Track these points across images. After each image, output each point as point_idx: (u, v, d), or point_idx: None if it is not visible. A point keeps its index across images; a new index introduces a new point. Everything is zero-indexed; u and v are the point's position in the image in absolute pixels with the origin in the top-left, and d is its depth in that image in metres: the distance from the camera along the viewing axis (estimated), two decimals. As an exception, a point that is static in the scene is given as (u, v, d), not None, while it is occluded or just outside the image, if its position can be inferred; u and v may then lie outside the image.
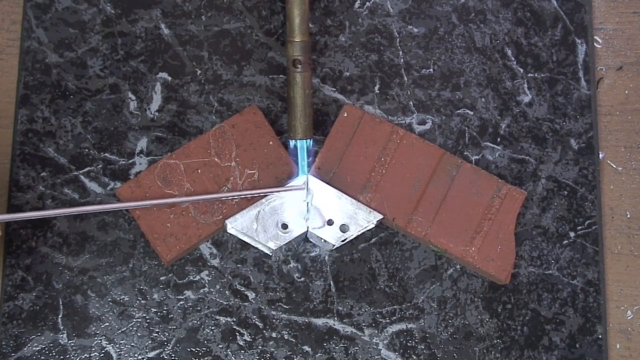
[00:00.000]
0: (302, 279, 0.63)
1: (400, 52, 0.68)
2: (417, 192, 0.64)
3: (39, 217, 0.59)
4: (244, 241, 0.63)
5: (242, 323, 0.62)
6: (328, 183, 0.63)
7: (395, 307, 0.63)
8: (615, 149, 0.68)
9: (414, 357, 0.63)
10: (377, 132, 0.64)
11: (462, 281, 0.64)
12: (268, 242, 0.61)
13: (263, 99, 0.66)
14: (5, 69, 0.65)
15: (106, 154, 0.64)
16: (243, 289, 0.63)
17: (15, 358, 0.60)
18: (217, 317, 0.62)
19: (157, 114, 0.65)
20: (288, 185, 0.63)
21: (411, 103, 0.67)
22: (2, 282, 0.62)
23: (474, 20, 0.69)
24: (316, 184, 0.62)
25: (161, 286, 0.62)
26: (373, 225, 0.63)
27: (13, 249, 0.62)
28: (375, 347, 0.63)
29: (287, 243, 0.62)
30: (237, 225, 0.61)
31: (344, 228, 0.62)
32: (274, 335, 0.62)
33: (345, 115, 0.65)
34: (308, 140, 0.63)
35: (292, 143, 0.63)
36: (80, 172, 0.64)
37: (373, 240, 0.64)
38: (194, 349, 0.62)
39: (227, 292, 0.63)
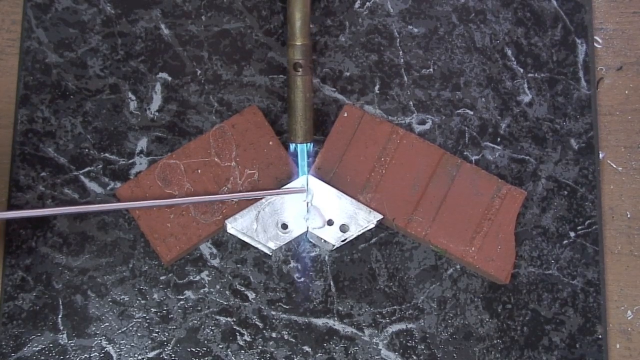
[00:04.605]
0: (302, 279, 0.63)
1: (400, 52, 0.68)
2: (417, 192, 0.64)
3: (38, 215, 0.59)
4: (244, 241, 0.63)
5: (242, 323, 0.62)
6: (328, 183, 0.63)
7: (395, 307, 0.63)
8: (615, 149, 0.68)
9: (414, 357, 0.63)
10: (377, 132, 0.64)
11: (462, 281, 0.64)
12: (268, 242, 0.61)
13: (263, 99, 0.66)
14: (5, 69, 0.65)
15: (106, 154, 0.64)
16: (243, 289, 0.63)
17: (15, 358, 0.60)
18: (217, 317, 0.62)
19: (157, 114, 0.65)
20: (288, 186, 0.63)
21: (411, 103, 0.67)
22: (2, 282, 0.62)
23: (474, 20, 0.69)
24: (316, 184, 0.62)
25: (161, 286, 0.62)
26: (373, 225, 0.63)
27: (13, 249, 0.62)
28: (375, 347, 0.63)
29: (287, 243, 0.62)
30: (237, 225, 0.61)
31: (344, 228, 0.62)
32: (274, 335, 0.62)
33: (345, 115, 0.65)
34: (308, 144, 0.63)
35: (292, 146, 0.63)
36: (80, 172, 0.64)
37: (373, 240, 0.64)
38: (194, 349, 0.62)
39: (227, 292, 0.63)
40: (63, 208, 0.59)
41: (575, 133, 0.67)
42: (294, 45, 0.62)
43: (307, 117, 0.62)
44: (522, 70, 0.68)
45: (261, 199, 0.62)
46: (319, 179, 0.63)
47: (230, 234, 0.63)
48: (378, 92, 0.67)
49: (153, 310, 0.62)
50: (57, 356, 0.61)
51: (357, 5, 0.68)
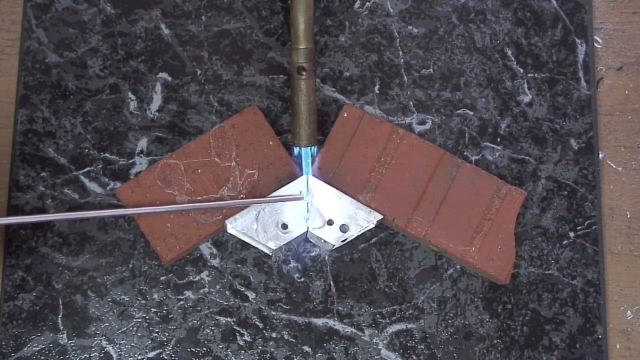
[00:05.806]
0: (302, 279, 0.63)
1: (400, 52, 0.68)
2: (417, 192, 0.64)
3: (37, 221, 0.59)
4: (244, 241, 0.63)
5: (242, 323, 0.62)
6: (328, 183, 0.63)
7: (395, 307, 0.63)
8: (615, 149, 0.68)
9: (414, 357, 0.63)
10: (377, 132, 0.64)
11: (462, 281, 0.64)
12: (268, 242, 0.61)
13: (263, 99, 0.66)
14: (5, 69, 0.65)
15: (106, 154, 0.64)
16: (243, 289, 0.63)
17: (15, 358, 0.60)
18: (217, 317, 0.62)
19: (157, 114, 0.65)
20: (288, 186, 0.62)
21: (411, 103, 0.67)
22: (2, 282, 0.62)
23: (474, 20, 0.69)
24: (316, 184, 0.62)
25: (161, 286, 0.62)
26: (373, 225, 0.63)
27: (13, 249, 0.62)
28: (375, 347, 0.63)
29: (287, 243, 0.62)
30: (237, 226, 0.61)
31: (344, 228, 0.62)
32: (274, 335, 0.62)
33: (345, 115, 0.65)
34: (312, 147, 0.62)
35: (296, 150, 0.63)
36: (80, 172, 0.64)
37: (373, 240, 0.64)
38: (194, 349, 0.62)
39: (227, 292, 0.63)
40: (62, 214, 0.58)
41: (575, 133, 0.67)
42: (298, 49, 0.61)
43: (311, 120, 0.62)
44: (522, 70, 0.68)
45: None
46: (319, 179, 0.63)
47: (230, 234, 0.63)
48: (378, 92, 0.67)
49: (153, 310, 0.62)
50: (57, 356, 0.61)
51: (357, 5, 0.68)
